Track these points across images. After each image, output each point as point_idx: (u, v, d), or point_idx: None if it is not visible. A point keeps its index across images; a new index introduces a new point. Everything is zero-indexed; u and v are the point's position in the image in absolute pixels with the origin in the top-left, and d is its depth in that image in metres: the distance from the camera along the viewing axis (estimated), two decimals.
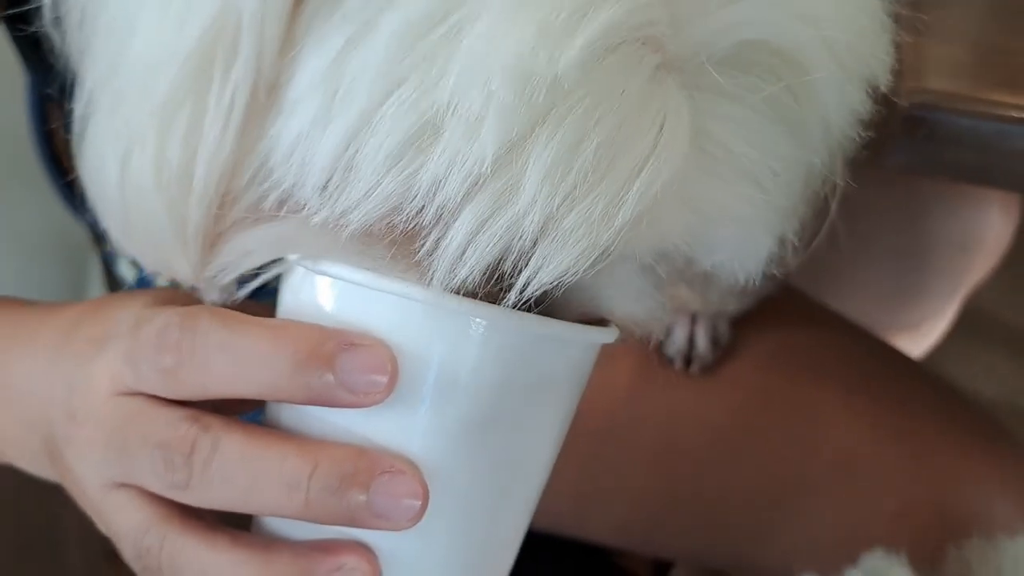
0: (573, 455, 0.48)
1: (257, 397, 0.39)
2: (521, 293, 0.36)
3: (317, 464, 0.38)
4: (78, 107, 0.40)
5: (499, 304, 0.38)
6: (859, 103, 0.40)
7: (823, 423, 0.68)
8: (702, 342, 0.68)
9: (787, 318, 0.71)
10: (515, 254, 0.35)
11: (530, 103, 0.33)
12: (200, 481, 0.39)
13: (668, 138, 0.35)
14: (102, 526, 0.44)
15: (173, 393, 0.40)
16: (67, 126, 0.42)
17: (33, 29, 0.42)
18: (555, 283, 0.36)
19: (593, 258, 0.36)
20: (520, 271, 0.36)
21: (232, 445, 0.39)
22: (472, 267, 0.36)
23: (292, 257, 0.40)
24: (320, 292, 0.40)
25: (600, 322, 0.42)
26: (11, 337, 0.48)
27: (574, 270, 0.36)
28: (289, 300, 0.41)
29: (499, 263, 0.36)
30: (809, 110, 0.38)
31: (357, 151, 0.35)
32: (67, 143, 0.42)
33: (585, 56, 0.33)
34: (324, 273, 0.39)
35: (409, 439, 0.39)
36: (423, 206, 0.35)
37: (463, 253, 0.35)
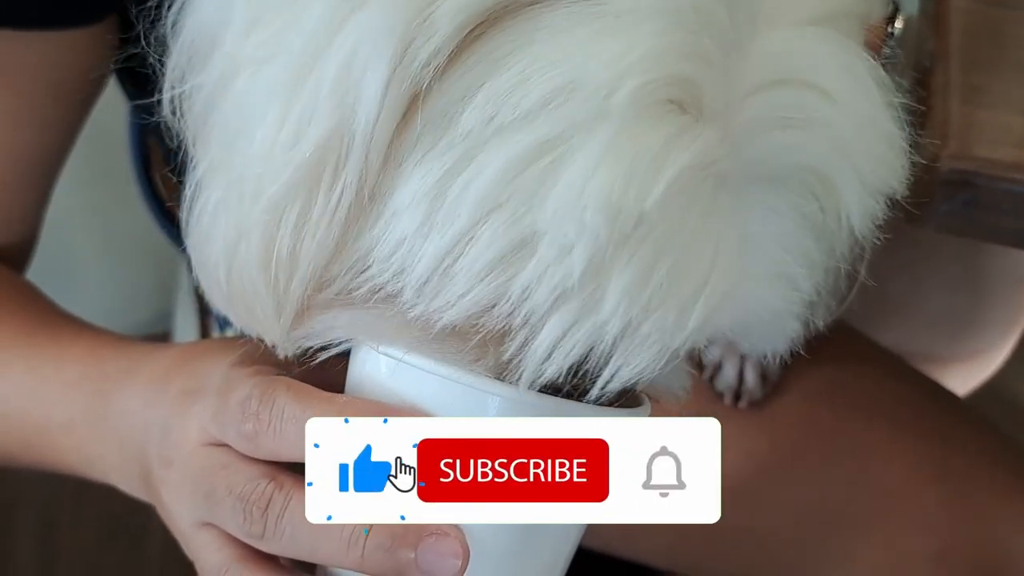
0: None
1: None
2: (603, 389, 0.41)
3: (372, 525, 0.43)
4: (188, 187, 0.45)
5: (583, 398, 0.42)
6: (877, 211, 0.44)
7: (868, 461, 0.70)
8: (751, 378, 0.69)
9: (835, 354, 0.72)
10: (596, 355, 0.40)
11: (618, 233, 0.38)
12: (273, 534, 0.44)
13: (724, 255, 0.40)
14: (189, 553, 0.49)
15: (252, 453, 0.45)
16: (165, 157, 0.46)
17: (134, 64, 0.47)
18: (632, 381, 0.41)
19: (666, 359, 0.41)
20: (601, 370, 0.41)
21: (301, 504, 0.43)
22: (558, 367, 0.41)
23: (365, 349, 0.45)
24: (384, 371, 0.44)
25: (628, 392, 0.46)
26: (107, 375, 0.55)
27: (650, 369, 0.41)
28: (356, 371, 0.46)
29: (582, 361, 0.41)
30: (837, 223, 0.43)
31: (455, 260, 0.40)
32: (161, 164, 0.46)
33: (665, 194, 0.38)
34: (388, 355, 0.43)
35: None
36: (512, 311, 0.40)
37: (550, 355, 0.40)
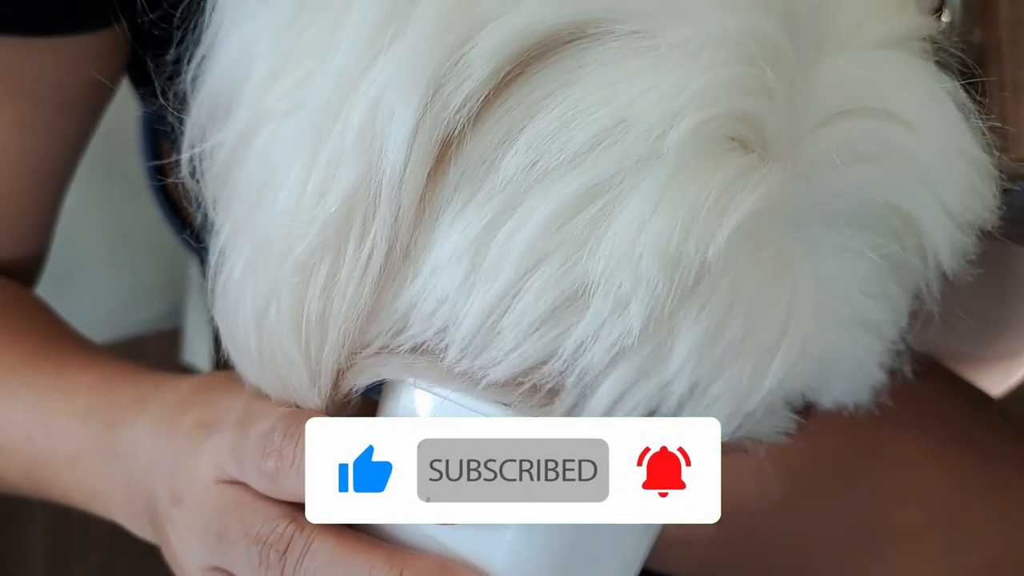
0: None
1: None
2: None
3: (402, 574, 0.40)
4: (212, 251, 0.43)
5: None
6: (967, 244, 0.42)
7: (912, 473, 0.68)
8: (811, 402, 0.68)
9: None
10: (661, 416, 0.38)
11: (679, 284, 0.36)
12: None
13: (800, 303, 0.37)
14: None
15: (272, 493, 0.42)
16: (177, 163, 0.45)
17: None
18: None
19: (738, 422, 0.39)
20: None
21: (323, 548, 0.41)
22: None
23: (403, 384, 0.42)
24: (419, 405, 0.42)
25: None
26: (117, 405, 0.52)
27: (722, 432, 0.38)
28: (391, 405, 0.43)
29: None
30: (923, 262, 0.41)
31: (502, 315, 0.37)
32: (174, 168, 0.45)
33: (730, 240, 0.36)
34: (432, 391, 0.41)
35: (493, 554, 0.41)
36: (566, 368, 0.37)
37: (607, 415, 0.38)
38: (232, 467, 0.44)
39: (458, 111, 0.37)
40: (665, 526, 0.68)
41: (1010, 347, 0.94)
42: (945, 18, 0.51)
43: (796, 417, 0.44)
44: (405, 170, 0.37)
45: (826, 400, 0.43)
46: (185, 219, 0.70)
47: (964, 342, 0.89)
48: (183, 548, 0.46)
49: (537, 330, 0.37)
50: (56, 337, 0.58)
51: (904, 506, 0.67)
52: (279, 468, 0.41)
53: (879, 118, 0.38)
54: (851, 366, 0.41)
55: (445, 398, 0.40)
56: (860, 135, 0.38)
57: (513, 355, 0.38)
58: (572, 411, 0.38)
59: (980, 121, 0.41)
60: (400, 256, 0.39)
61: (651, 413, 0.38)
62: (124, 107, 0.73)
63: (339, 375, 0.41)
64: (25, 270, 0.62)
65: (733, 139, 0.37)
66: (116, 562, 1.18)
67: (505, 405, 0.39)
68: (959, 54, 0.44)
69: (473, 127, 0.37)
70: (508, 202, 0.37)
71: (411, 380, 0.41)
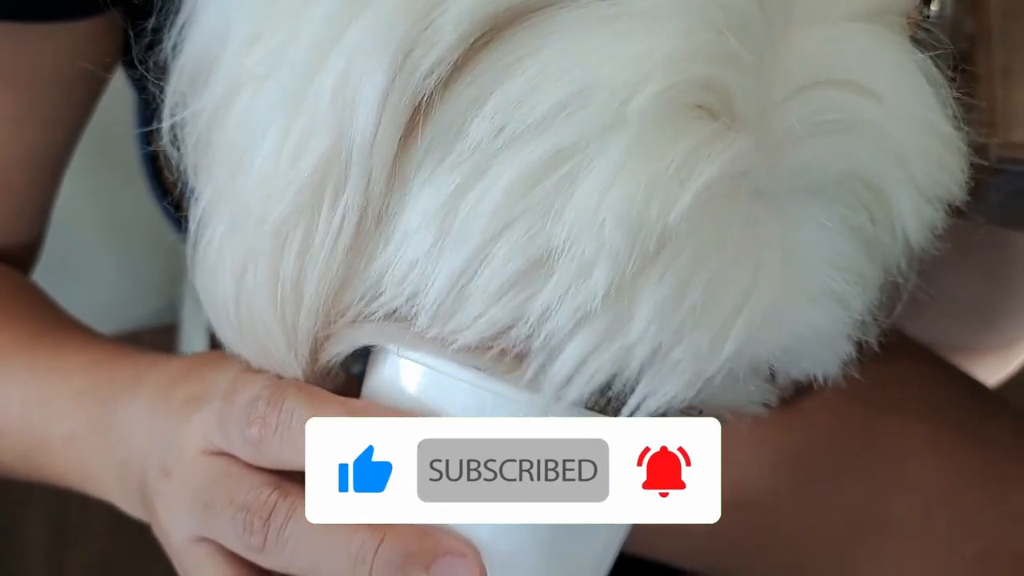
0: None
1: None
2: (631, 415, 0.39)
3: (383, 540, 0.40)
4: (192, 221, 0.43)
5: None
6: (936, 219, 0.41)
7: (906, 461, 0.68)
8: (781, 373, 0.67)
9: (871, 349, 0.71)
10: (622, 381, 0.38)
11: (641, 249, 0.36)
12: (274, 546, 0.41)
13: (765, 272, 0.38)
14: (181, 573, 0.46)
15: (256, 461, 0.43)
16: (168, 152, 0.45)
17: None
18: (661, 409, 0.39)
19: (699, 386, 0.38)
20: (629, 394, 0.39)
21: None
22: (580, 391, 0.38)
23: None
24: (409, 377, 0.42)
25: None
26: (114, 384, 0.52)
27: (680, 398, 0.38)
28: (376, 377, 0.43)
29: (609, 383, 0.39)
30: (891, 235, 0.41)
31: (469, 280, 0.38)
32: (168, 160, 0.45)
33: (693, 205, 0.36)
34: (411, 359, 0.41)
35: (478, 526, 0.41)
36: (532, 332, 0.38)
37: (571, 378, 0.38)
38: (219, 438, 0.44)
39: (427, 76, 0.37)
40: None
41: (1005, 337, 0.94)
42: (934, 7, 0.51)
43: (771, 388, 0.45)
44: (376, 135, 0.38)
45: (795, 371, 0.43)
46: (180, 209, 0.70)
47: (959, 332, 0.89)
48: (171, 520, 0.46)
49: (505, 295, 0.37)
50: (52, 320, 0.59)
51: (898, 496, 0.67)
52: (263, 435, 0.42)
53: (849, 90, 0.38)
54: (818, 338, 0.41)
55: (426, 365, 0.41)
56: (829, 106, 0.38)
57: (481, 320, 0.38)
58: (538, 375, 0.39)
59: (952, 97, 0.41)
60: (373, 222, 0.39)
61: (613, 377, 0.38)
62: (121, 99, 0.73)
63: (317, 344, 0.42)
64: (22, 257, 0.63)
65: (699, 107, 0.37)
66: (114, 553, 1.18)
67: (480, 370, 0.40)
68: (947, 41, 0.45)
69: (443, 93, 0.37)
70: (476, 167, 0.37)
71: (392, 347, 0.41)
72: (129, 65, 0.63)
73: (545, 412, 0.40)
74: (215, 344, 0.48)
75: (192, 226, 0.43)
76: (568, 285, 0.37)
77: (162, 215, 0.76)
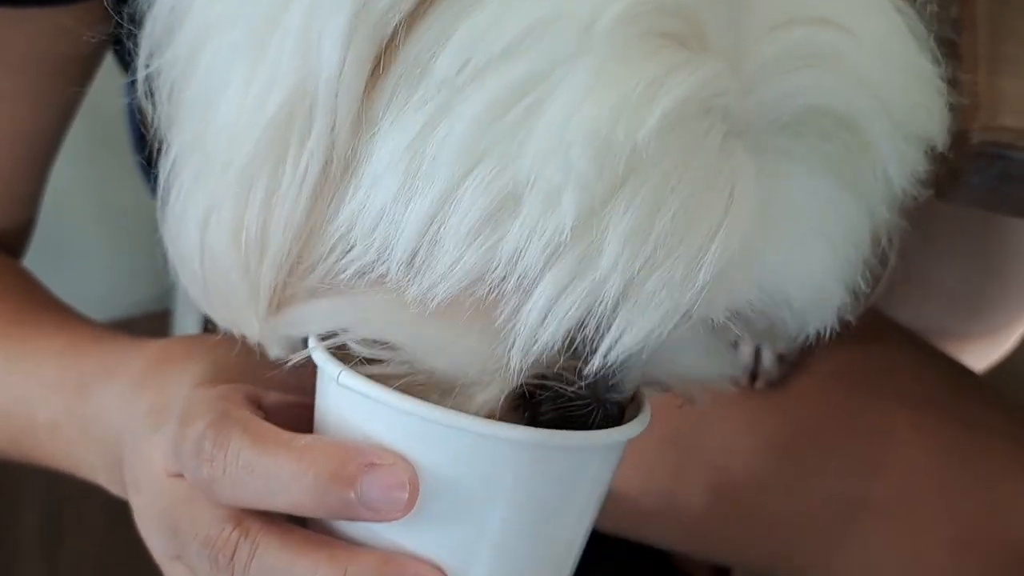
0: (638, 461, 0.48)
1: (287, 512, 0.41)
2: (605, 358, 0.37)
3: (345, 573, 0.40)
4: (163, 173, 0.42)
5: (585, 367, 0.39)
6: (917, 161, 0.41)
7: (890, 444, 0.68)
8: (768, 358, 0.68)
9: (855, 334, 0.71)
10: (596, 319, 0.36)
11: (609, 173, 0.34)
12: None
13: (738, 201, 0.36)
14: None
15: (212, 498, 0.42)
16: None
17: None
18: (638, 347, 0.37)
19: (675, 320, 0.37)
20: (602, 336, 0.37)
21: (269, 552, 0.41)
22: (554, 332, 0.37)
23: (319, 359, 0.41)
24: (347, 403, 0.41)
25: (637, 399, 0.43)
26: (87, 373, 0.52)
27: (657, 333, 0.37)
28: (323, 403, 0.43)
29: (580, 329, 0.37)
30: (868, 167, 0.39)
31: (440, 226, 0.36)
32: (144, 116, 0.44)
33: (661, 127, 0.34)
34: (344, 385, 0.40)
35: (438, 545, 0.41)
36: (505, 275, 0.36)
37: (544, 318, 0.36)
38: (175, 466, 0.44)
39: (389, 11, 0.36)
40: (646, 497, 0.68)
41: (993, 323, 0.95)
42: None
43: (737, 360, 0.43)
44: (341, 74, 0.37)
45: (789, 320, 0.42)
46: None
47: (947, 318, 0.89)
48: (147, 534, 0.46)
49: (477, 237, 0.36)
50: (29, 303, 0.58)
51: (881, 477, 0.68)
52: (212, 477, 0.41)
53: (823, 27, 0.37)
54: (803, 278, 0.40)
55: (365, 395, 0.40)
56: (804, 42, 0.37)
57: (456, 268, 0.36)
58: (512, 318, 0.37)
59: (930, 38, 0.40)
60: (340, 167, 0.38)
61: (587, 314, 0.36)
62: (113, 85, 0.72)
63: (277, 300, 0.41)
64: (11, 241, 0.62)
65: (669, 35, 0.36)
66: (108, 546, 1.18)
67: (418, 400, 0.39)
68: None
69: (407, 30, 0.36)
70: (442, 104, 0.36)
71: (333, 372, 0.40)
72: (116, 49, 0.63)
73: (486, 433, 0.39)
74: (208, 331, 0.48)
75: (162, 179, 0.42)
76: (537, 218, 0.35)
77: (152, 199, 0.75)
